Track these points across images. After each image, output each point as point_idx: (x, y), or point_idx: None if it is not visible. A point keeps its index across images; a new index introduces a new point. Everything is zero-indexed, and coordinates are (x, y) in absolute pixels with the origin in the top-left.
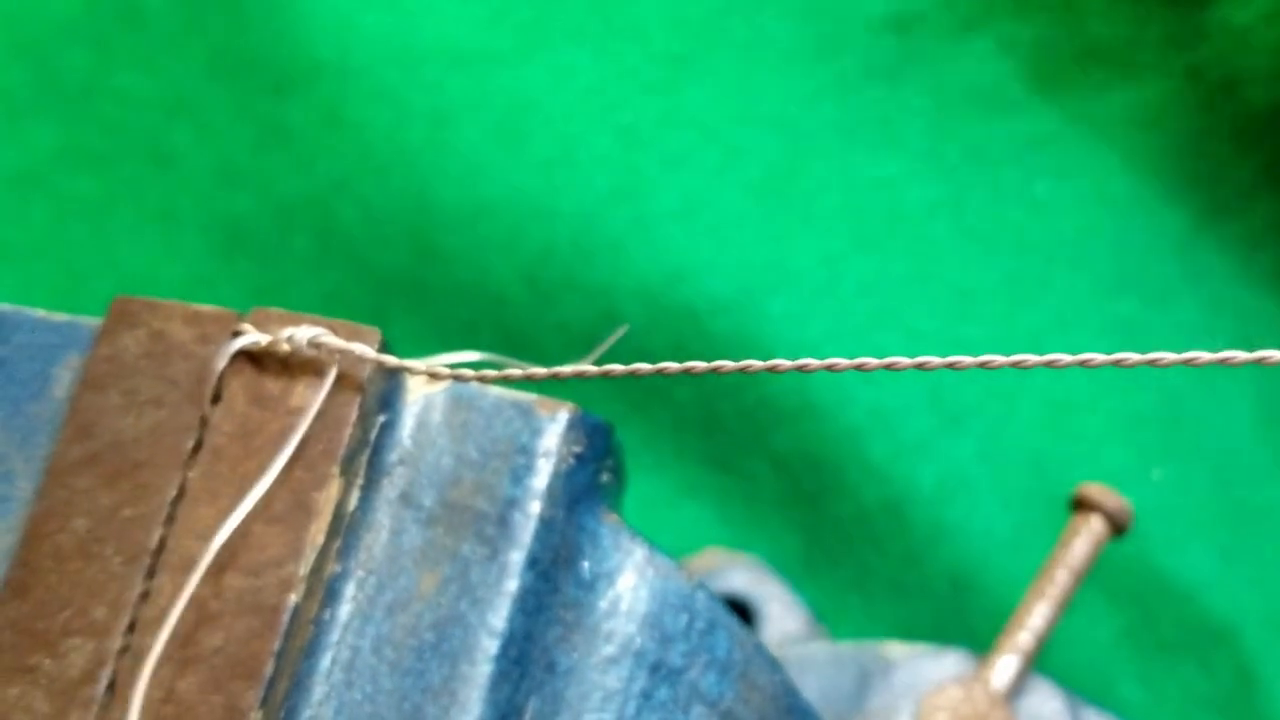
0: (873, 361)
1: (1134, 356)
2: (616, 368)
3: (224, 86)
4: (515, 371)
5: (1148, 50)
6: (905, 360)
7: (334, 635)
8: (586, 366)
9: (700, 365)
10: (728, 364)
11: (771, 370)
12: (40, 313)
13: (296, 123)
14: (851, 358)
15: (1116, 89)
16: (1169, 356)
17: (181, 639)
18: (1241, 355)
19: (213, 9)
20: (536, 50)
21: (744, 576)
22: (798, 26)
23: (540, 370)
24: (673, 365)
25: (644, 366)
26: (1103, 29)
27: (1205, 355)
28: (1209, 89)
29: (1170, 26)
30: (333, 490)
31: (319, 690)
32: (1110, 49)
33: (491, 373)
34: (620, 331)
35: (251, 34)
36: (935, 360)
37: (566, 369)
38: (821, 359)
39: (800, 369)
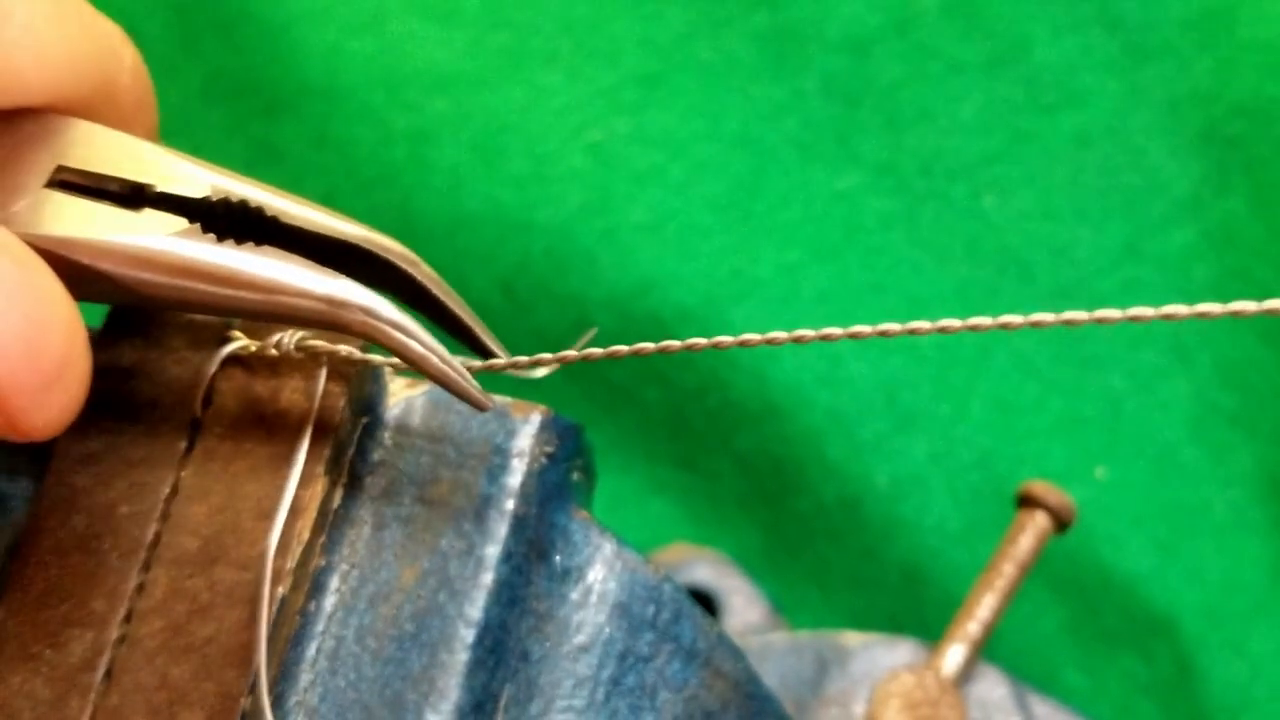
0: (809, 334)
1: (1149, 311)
2: (570, 354)
3: (217, 108)
4: (500, 361)
5: (1090, 73)
6: (838, 330)
7: (319, 626)
8: (549, 355)
9: (648, 346)
10: (674, 344)
11: (714, 346)
12: None
13: (286, 142)
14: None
15: (1060, 109)
16: (1182, 310)
17: (175, 629)
18: (1251, 306)
19: (207, 34)
20: (513, 73)
21: (708, 570)
22: (759, 49)
23: (523, 359)
24: (622, 349)
25: (596, 351)
26: (1048, 53)
27: (1217, 308)
28: (1149, 110)
29: (1111, 51)
30: (318, 488)
31: (305, 678)
32: (1055, 72)
33: (476, 363)
34: (591, 333)
35: (244, 58)
36: (866, 330)
37: (548, 356)
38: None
39: (742, 344)
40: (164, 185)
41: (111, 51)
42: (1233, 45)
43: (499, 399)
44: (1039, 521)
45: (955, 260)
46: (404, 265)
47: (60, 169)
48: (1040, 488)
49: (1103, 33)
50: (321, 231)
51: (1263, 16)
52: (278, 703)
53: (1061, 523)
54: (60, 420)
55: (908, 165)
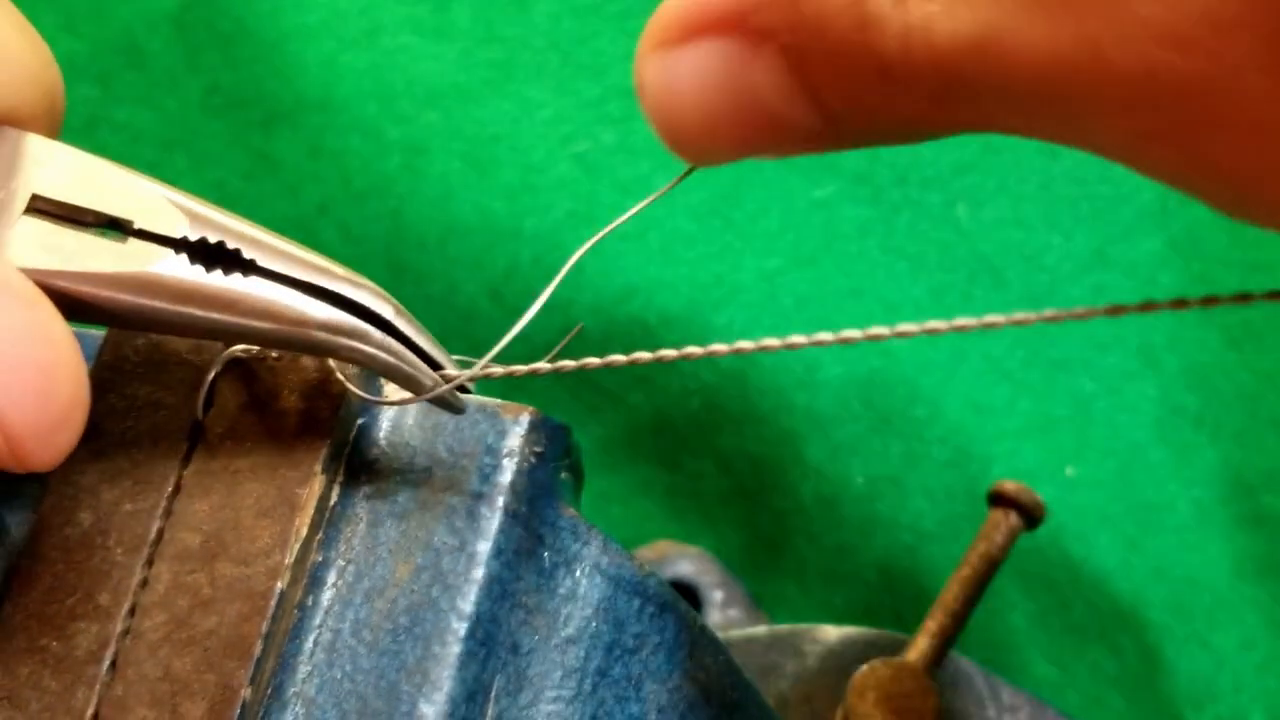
0: (773, 341)
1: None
2: (568, 363)
3: (217, 120)
4: (497, 369)
5: None
6: (828, 335)
7: (317, 619)
8: (543, 364)
9: (645, 355)
10: (669, 353)
11: (710, 355)
12: None
13: (283, 153)
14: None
15: None
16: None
17: (178, 622)
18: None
19: (207, 50)
20: (502, 86)
21: (690, 566)
22: None
23: (520, 368)
24: (620, 358)
25: (593, 360)
26: None
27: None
28: None
29: None
30: (316, 486)
31: (303, 669)
32: None
33: (469, 372)
34: (576, 330)
35: (242, 72)
36: (827, 336)
37: (544, 365)
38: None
39: (736, 352)
40: (141, 220)
41: (57, 72)
42: None
43: (489, 400)
44: (1010, 520)
45: (929, 266)
46: (375, 303)
47: (36, 198)
48: (1011, 487)
49: None
50: (293, 274)
51: None
52: (276, 694)
53: (1031, 520)
54: (64, 453)
55: (884, 175)
